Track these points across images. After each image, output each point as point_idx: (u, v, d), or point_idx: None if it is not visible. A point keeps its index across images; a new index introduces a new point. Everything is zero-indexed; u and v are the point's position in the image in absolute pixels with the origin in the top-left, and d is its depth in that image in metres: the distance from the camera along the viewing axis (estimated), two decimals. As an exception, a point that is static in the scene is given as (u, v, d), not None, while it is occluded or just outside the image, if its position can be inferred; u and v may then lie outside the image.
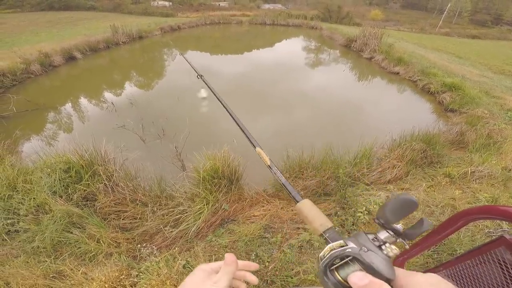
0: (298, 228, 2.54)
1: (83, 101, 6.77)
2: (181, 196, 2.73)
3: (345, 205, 2.78)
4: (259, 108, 6.35)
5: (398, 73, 9.46)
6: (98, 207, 2.53)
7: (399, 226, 0.40)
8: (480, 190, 3.05)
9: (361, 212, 2.60)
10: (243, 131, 0.80)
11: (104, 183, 2.63)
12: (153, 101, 6.70)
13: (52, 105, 6.33)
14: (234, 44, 15.95)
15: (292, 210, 2.77)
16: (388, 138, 4.18)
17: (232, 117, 0.92)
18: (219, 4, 40.37)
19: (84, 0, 32.96)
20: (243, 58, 12.35)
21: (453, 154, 4.07)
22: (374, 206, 2.71)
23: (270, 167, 0.62)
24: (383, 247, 0.36)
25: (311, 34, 19.88)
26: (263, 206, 2.84)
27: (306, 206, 0.47)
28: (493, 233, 2.30)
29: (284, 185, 0.56)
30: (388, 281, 0.33)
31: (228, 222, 2.66)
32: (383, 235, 0.38)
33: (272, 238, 2.40)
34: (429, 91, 7.56)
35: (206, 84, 1.24)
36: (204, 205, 2.59)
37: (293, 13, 27.92)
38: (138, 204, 2.61)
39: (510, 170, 3.56)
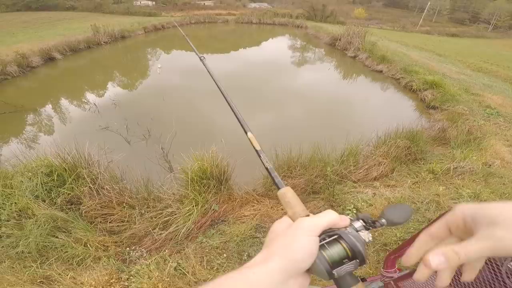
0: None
1: (64, 102, 6.53)
2: (169, 198, 2.69)
3: (333, 203, 2.83)
4: (248, 107, 6.34)
5: (381, 71, 9.68)
6: (83, 211, 2.46)
7: (382, 220, 0.43)
8: (462, 186, 3.17)
9: (349, 210, 2.65)
10: (235, 115, 0.81)
11: (89, 186, 2.55)
12: (137, 101, 6.56)
13: (31, 107, 6.07)
14: (220, 44, 15.83)
15: (282, 210, 2.79)
16: (374, 136, 4.27)
17: (226, 100, 0.96)
18: (204, 3, 39.86)
19: (63, 0, 31.73)
20: (230, 58, 12.30)
21: (436, 151, 4.21)
22: (362, 203, 2.77)
23: (258, 153, 0.64)
24: (359, 233, 0.39)
25: (296, 33, 20.03)
26: (253, 206, 2.84)
27: (289, 192, 0.50)
28: None
29: (269, 170, 0.58)
30: (363, 262, 0.37)
31: (219, 223, 2.64)
32: (357, 224, 0.41)
33: (263, 237, 2.41)
34: (412, 88, 7.78)
35: (206, 67, 1.26)
36: (193, 206, 2.56)
37: (279, 12, 28.05)
38: (125, 207, 2.55)
39: (490, 165, 3.72)
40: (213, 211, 2.67)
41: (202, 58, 1.39)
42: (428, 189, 3.11)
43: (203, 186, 2.79)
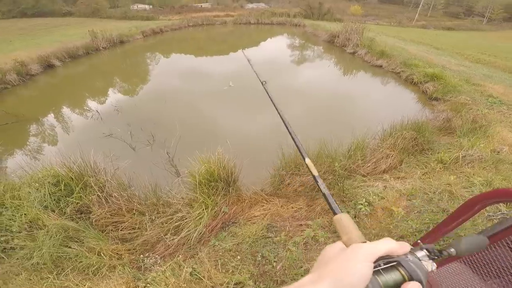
0: (301, 225, 2.53)
1: (66, 110, 6.52)
2: (179, 202, 2.66)
3: (344, 198, 2.80)
4: (250, 107, 6.33)
5: (381, 66, 9.66)
6: (93, 220, 2.44)
7: (451, 250, 0.43)
8: (473, 174, 3.14)
9: (362, 204, 2.62)
10: (295, 142, 0.85)
11: (97, 195, 2.52)
12: (139, 106, 6.54)
13: (33, 116, 6.06)
14: (219, 45, 15.83)
15: (292, 208, 2.76)
16: (379, 129, 4.25)
17: (286, 127, 0.98)
18: (201, 6, 39.89)
19: (59, 6, 31.79)
20: (230, 58, 12.28)
21: (442, 140, 4.19)
22: (373, 197, 2.74)
23: (316, 178, 0.65)
24: (422, 262, 0.39)
25: (295, 32, 20.04)
26: (263, 206, 2.81)
27: (346, 218, 0.51)
28: (493, 216, 2.35)
29: (325, 196, 0.59)
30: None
31: (230, 225, 2.61)
32: (419, 253, 0.40)
33: (275, 237, 2.38)
34: (413, 81, 7.76)
35: (267, 92, 1.32)
36: (203, 209, 2.54)
37: (277, 12, 28.12)
38: (135, 214, 2.52)
39: (499, 152, 3.68)
40: (223, 214, 2.64)
41: (263, 83, 1.42)
42: (438, 179, 3.07)
43: (212, 189, 2.76)
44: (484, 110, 5.20)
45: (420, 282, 0.35)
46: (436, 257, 0.40)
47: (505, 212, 2.42)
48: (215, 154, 2.92)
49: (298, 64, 11.25)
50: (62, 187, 2.53)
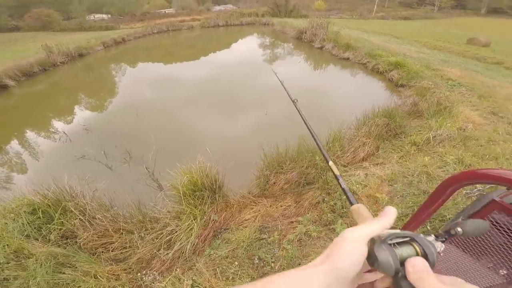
0: (292, 222, 2.56)
1: (31, 135, 6.04)
2: (166, 217, 2.59)
3: (329, 190, 2.86)
4: (228, 110, 6.29)
5: (348, 58, 10.04)
6: (81, 243, 2.34)
7: (458, 229, 0.44)
8: (445, 153, 3.35)
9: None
10: (319, 148, 0.97)
11: (79, 219, 2.41)
12: (110, 122, 6.24)
13: (-8, 144, 5.56)
14: (188, 50, 15.55)
15: (281, 206, 2.78)
16: (353, 119, 4.43)
17: (311, 133, 1.12)
18: (165, 11, 38.76)
19: (5, 21, 29.40)
20: (202, 63, 12.11)
21: (412, 123, 4.46)
22: (357, 185, 2.84)
23: (337, 177, 0.74)
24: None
25: (264, 31, 20.22)
26: (252, 208, 2.81)
27: (362, 207, 0.55)
28: (471, 193, 2.51)
29: (344, 190, 0.68)
30: (433, 265, 0.36)
31: (222, 232, 2.58)
32: (429, 237, 0.41)
33: (269, 238, 2.38)
34: (379, 70, 8.16)
35: (298, 110, 1.37)
36: (192, 220, 2.49)
37: (245, 12, 28.09)
38: (122, 233, 2.43)
39: (465, 130, 3.98)
40: (213, 222, 2.61)
41: (295, 101, 1.45)
42: (414, 161, 3.25)
43: (197, 199, 2.72)
44: (446, 93, 5.59)
45: (432, 257, 0.36)
46: (444, 239, 0.41)
47: (481, 189, 2.61)
48: (195, 163, 2.88)
49: (270, 62, 11.37)
50: (40, 215, 2.42)
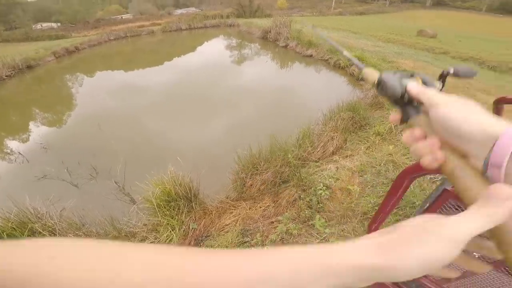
0: (272, 222, 2.59)
1: (-21, 158, 5.44)
2: (143, 230, 2.51)
3: (304, 187, 2.95)
4: (198, 115, 6.18)
5: (311, 56, 10.38)
6: None
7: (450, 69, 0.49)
8: None
9: (321, 189, 2.79)
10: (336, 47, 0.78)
11: None
12: (70, 137, 5.81)
13: None
14: (150, 56, 14.95)
15: (260, 207, 2.81)
16: (320, 114, 4.59)
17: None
18: (121, 17, 36.80)
19: None
20: (165, 69, 11.72)
21: (375, 115, 4.73)
22: (329, 179, 2.95)
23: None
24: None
25: (230, 32, 20.08)
26: (232, 213, 2.80)
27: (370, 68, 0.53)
28: (434, 178, 2.71)
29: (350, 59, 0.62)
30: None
31: (203, 239, 2.54)
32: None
33: (252, 240, 2.39)
34: (340, 66, 8.53)
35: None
36: (170, 231, 2.43)
37: (209, 14, 27.60)
38: None
39: (422, 117, 4.30)
40: (193, 230, 2.57)
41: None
42: (380, 150, 3.45)
43: (173, 209, 2.66)
44: (402, 84, 6.01)
45: (431, 85, 0.41)
46: (440, 80, 0.46)
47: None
48: (167, 173, 2.81)
49: (238, 63, 11.38)
50: (5, 238, 2.23)
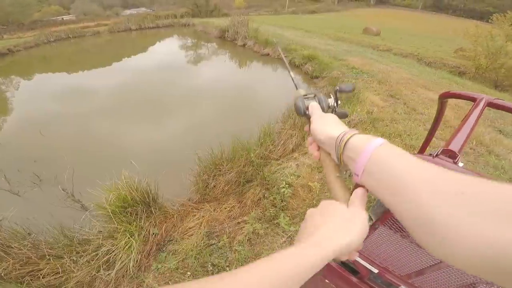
0: (239, 223, 2.60)
1: None
2: (98, 237, 2.35)
3: (268, 186, 2.99)
4: (153, 117, 5.92)
5: (268, 54, 10.59)
6: (2, 273, 2.06)
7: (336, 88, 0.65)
8: None
9: (284, 187, 2.84)
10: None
11: None
12: (7, 145, 5.17)
13: None
14: (96, 57, 13.85)
15: (225, 208, 2.81)
16: (279, 113, 4.72)
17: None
18: (62, 18, 33.21)
19: None
20: (114, 70, 10.96)
21: (330, 112, 4.98)
22: (291, 177, 3.05)
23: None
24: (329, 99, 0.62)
25: (185, 32, 19.46)
26: (195, 215, 2.75)
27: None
28: None
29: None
30: (326, 111, 0.59)
31: (165, 244, 2.46)
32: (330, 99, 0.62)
33: (219, 242, 2.37)
34: (295, 64, 8.83)
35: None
36: (128, 238, 2.31)
37: (161, 14, 26.31)
38: (50, 259, 2.15)
39: (372, 113, 4.66)
40: (154, 235, 2.47)
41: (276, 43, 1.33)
42: (337, 146, 3.65)
43: (130, 215, 2.54)
44: (352, 80, 6.45)
45: (322, 104, 0.59)
46: (336, 97, 0.62)
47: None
48: (121, 178, 2.67)
49: (195, 63, 11.12)
50: None
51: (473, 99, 1.41)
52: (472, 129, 1.16)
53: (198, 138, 4.65)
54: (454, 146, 0.98)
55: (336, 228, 0.40)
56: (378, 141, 0.40)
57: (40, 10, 37.56)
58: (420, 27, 24.90)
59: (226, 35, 14.12)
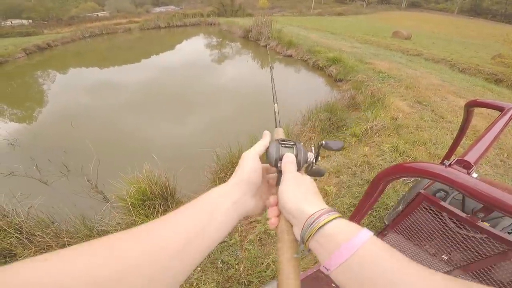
0: (251, 222, 2.60)
1: None
2: (116, 229, 2.46)
3: (283, 187, 2.97)
4: (177, 113, 6.09)
5: (291, 56, 10.51)
6: None
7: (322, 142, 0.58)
8: (382, 142, 3.68)
9: None
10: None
11: (16, 237, 2.24)
12: (41, 135, 5.53)
13: None
14: (127, 53, 14.48)
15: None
16: (299, 115, 4.67)
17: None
18: (97, 15, 35.21)
19: None
20: (143, 66, 11.40)
21: (352, 116, 4.84)
22: (309, 180, 2.99)
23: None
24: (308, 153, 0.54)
25: (210, 31, 19.86)
26: (209, 212, 2.78)
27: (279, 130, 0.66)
28: (407, 180, 2.83)
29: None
30: (302, 165, 0.51)
31: (180, 239, 2.51)
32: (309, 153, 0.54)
33: (230, 240, 2.37)
34: (319, 67, 8.71)
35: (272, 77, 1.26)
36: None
37: (189, 13, 27.12)
38: None
39: (396, 119, 4.47)
40: (168, 230, 2.53)
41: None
42: (356, 152, 3.54)
43: (148, 208, 2.62)
44: (378, 85, 6.22)
45: (299, 158, 0.50)
46: (317, 155, 0.54)
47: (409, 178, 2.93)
48: (142, 172, 2.76)
49: (219, 62, 11.29)
50: None
51: (500, 109, 1.31)
52: (494, 140, 1.07)
53: (217, 135, 4.71)
54: (471, 156, 0.93)
55: (238, 169, 0.48)
56: (365, 234, 0.34)
57: (78, 6, 40.05)
58: (455, 31, 23.63)
59: (249, 35, 14.22)
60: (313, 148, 0.55)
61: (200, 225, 0.38)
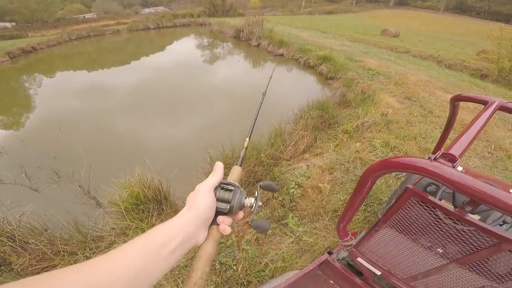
0: (247, 222, 2.61)
1: None
2: (110, 234, 2.43)
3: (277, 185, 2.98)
4: (169, 115, 6.04)
5: (282, 55, 10.55)
6: (19, 269, 2.13)
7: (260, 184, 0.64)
8: (373, 138, 3.74)
9: (293, 188, 2.81)
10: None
11: (9, 245, 2.20)
12: (29, 141, 5.40)
13: None
14: (115, 55, 14.25)
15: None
16: (291, 113, 4.69)
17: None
18: (84, 17, 34.46)
19: None
20: (133, 68, 11.23)
21: (343, 113, 4.89)
22: (301, 178, 3.01)
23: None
24: (246, 199, 0.58)
25: (201, 31, 19.69)
26: (204, 213, 2.78)
27: (235, 169, 0.67)
28: (399, 174, 2.87)
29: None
30: (234, 210, 0.56)
31: (175, 242, 2.50)
32: (249, 198, 0.59)
33: (227, 241, 2.36)
34: (310, 65, 8.77)
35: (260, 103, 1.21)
36: (139, 235, 2.36)
37: (179, 13, 26.77)
38: (64, 255, 2.23)
39: (386, 115, 4.55)
40: (163, 233, 2.52)
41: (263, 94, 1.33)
42: (348, 148, 3.58)
43: (142, 212, 2.60)
44: (368, 82, 6.31)
45: (232, 203, 0.55)
46: (254, 199, 0.58)
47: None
48: (135, 176, 2.73)
49: (211, 63, 11.23)
50: None
51: (484, 102, 1.36)
52: (478, 133, 1.10)
53: (210, 137, 4.68)
54: (456, 150, 0.94)
55: (193, 200, 0.52)
56: None
57: (63, 8, 39.10)
58: (441, 29, 24.10)
59: (241, 35, 14.19)
60: (257, 193, 0.59)
61: (149, 258, 0.41)
